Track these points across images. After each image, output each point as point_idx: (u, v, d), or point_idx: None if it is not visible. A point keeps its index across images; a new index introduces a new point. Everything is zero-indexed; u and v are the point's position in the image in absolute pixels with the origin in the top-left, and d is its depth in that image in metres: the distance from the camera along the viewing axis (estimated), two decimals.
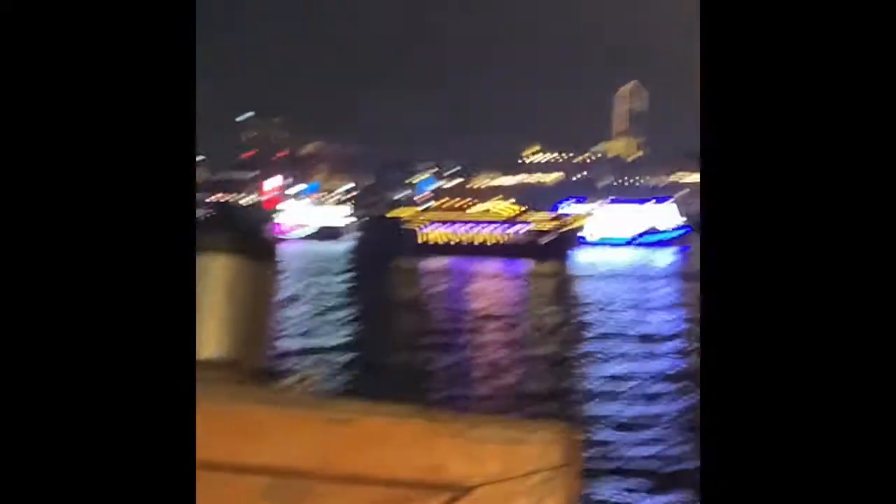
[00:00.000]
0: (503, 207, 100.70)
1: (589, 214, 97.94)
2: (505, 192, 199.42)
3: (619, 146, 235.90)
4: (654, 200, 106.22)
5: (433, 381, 29.42)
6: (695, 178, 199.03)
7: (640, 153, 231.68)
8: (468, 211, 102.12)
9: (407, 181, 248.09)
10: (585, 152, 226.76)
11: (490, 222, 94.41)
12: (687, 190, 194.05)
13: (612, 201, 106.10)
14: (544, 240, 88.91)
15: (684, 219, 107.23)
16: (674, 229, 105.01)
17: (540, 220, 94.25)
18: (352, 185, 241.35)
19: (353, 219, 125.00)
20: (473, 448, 1.93)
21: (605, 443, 20.73)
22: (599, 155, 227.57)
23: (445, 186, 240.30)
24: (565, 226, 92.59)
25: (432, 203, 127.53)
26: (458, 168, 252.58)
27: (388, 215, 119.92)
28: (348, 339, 37.46)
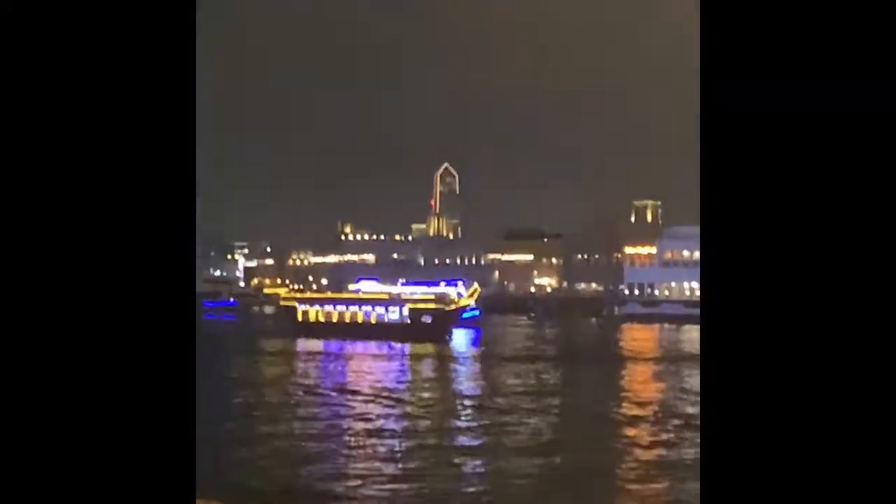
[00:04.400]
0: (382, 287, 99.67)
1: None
2: (321, 271, 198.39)
3: (436, 226, 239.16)
4: (443, 283, 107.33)
5: None
6: (508, 257, 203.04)
7: (454, 234, 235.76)
8: (349, 287, 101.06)
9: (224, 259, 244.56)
10: (403, 233, 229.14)
11: (371, 301, 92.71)
12: (496, 271, 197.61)
13: (405, 284, 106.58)
14: (427, 319, 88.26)
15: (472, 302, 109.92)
16: (469, 310, 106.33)
17: (422, 300, 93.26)
18: None
19: None
20: None
21: None
22: (417, 235, 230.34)
23: (262, 265, 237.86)
24: (448, 305, 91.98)
25: (255, 281, 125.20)
26: (269, 248, 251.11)
27: (266, 292, 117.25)
28: None
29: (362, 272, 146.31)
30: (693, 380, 54.95)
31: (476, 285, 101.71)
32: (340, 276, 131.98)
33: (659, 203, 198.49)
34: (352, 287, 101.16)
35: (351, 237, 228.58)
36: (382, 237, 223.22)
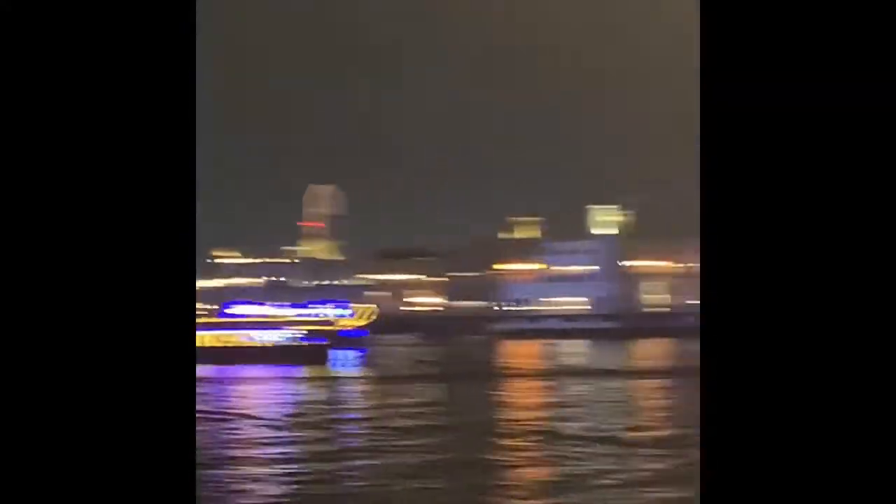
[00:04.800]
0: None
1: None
2: (199, 296, 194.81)
3: (316, 248, 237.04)
4: (332, 304, 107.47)
5: None
6: (390, 277, 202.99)
7: (338, 255, 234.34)
8: (227, 311, 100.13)
9: None
10: (281, 255, 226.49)
11: (251, 325, 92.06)
12: (386, 291, 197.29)
13: (284, 306, 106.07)
14: (307, 341, 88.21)
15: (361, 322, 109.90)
16: (355, 330, 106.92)
17: (303, 322, 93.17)
18: None
19: None
20: None
21: None
22: (296, 260, 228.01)
23: None
24: (328, 326, 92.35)
25: None
26: None
27: None
28: None
29: (243, 296, 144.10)
30: (573, 393, 55.98)
31: (372, 307, 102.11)
32: (220, 301, 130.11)
33: (540, 218, 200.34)
34: (228, 311, 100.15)
35: (228, 261, 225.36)
36: (263, 260, 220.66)
